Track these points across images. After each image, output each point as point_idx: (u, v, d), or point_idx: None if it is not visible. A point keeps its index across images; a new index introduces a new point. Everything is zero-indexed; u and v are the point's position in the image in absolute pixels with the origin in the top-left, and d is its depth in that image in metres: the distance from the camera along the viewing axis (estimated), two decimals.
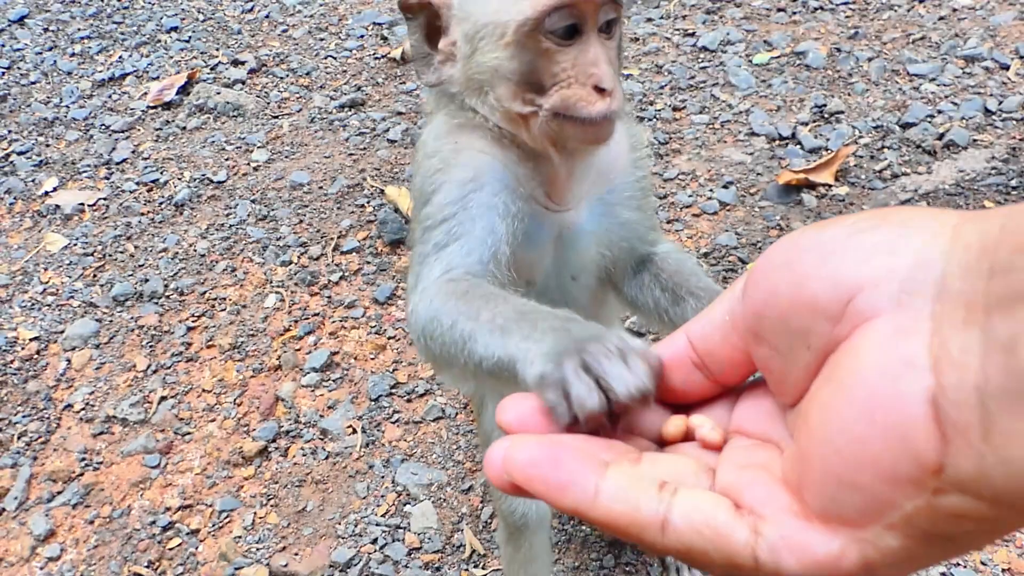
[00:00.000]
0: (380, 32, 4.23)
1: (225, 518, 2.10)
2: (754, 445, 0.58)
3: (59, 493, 2.23)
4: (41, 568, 2.06)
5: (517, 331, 0.87)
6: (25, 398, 2.52)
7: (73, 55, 4.38)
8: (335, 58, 4.07)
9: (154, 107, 3.91)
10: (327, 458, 2.19)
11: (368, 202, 3.07)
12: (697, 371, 0.62)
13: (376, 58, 4.02)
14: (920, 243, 0.47)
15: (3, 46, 4.49)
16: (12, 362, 2.62)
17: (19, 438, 2.39)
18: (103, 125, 3.83)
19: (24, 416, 2.45)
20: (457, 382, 1.14)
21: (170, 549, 2.05)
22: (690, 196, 2.90)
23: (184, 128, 3.75)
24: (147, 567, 2.02)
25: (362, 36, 4.23)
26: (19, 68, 4.31)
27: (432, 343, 1.03)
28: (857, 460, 0.46)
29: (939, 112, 3.08)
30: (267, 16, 4.52)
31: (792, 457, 0.53)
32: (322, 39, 4.26)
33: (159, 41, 4.42)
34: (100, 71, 4.23)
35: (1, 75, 4.27)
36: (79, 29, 4.60)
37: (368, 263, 2.81)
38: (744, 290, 0.57)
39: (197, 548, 2.04)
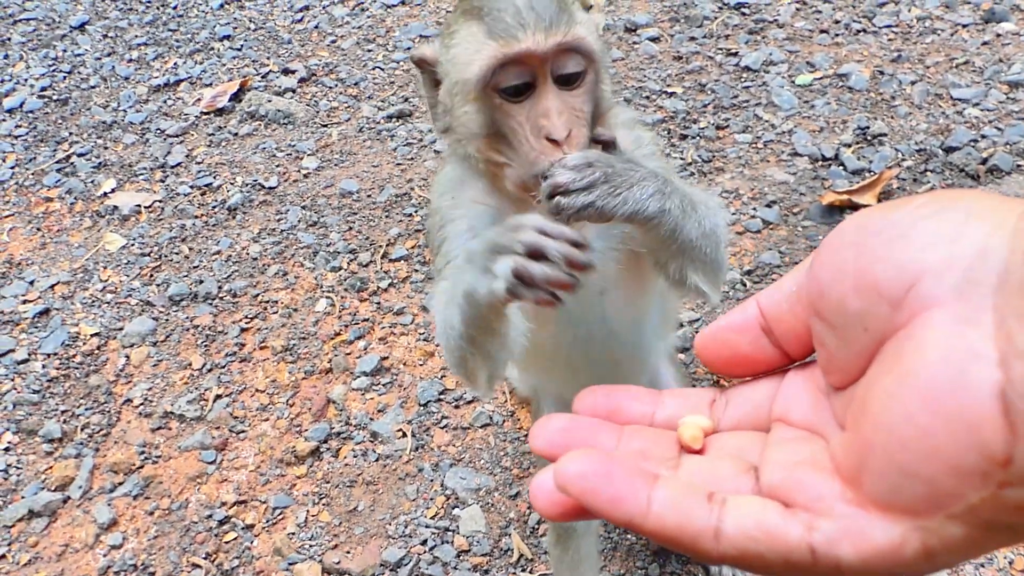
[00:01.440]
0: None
1: (279, 515, 2.18)
2: (798, 438, 0.58)
3: (120, 484, 2.32)
4: (104, 555, 2.15)
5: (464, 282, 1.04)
6: (87, 392, 2.62)
7: (130, 61, 4.52)
8: (383, 69, 4.17)
9: (207, 113, 4.03)
10: (377, 460, 2.27)
11: (416, 212, 3.15)
12: (764, 337, 0.63)
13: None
14: (984, 232, 0.47)
15: (65, 51, 4.64)
16: (75, 356, 2.72)
17: (82, 430, 2.49)
18: (158, 129, 3.95)
19: (87, 409, 2.55)
20: (473, 370, 1.21)
21: (226, 543, 2.14)
22: (733, 214, 2.94)
23: (236, 134, 3.85)
24: (205, 559, 2.10)
25: (408, 48, 4.32)
26: (79, 73, 4.45)
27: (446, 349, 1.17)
28: (922, 450, 0.46)
29: (983, 137, 3.11)
30: (316, 27, 4.63)
31: (848, 444, 0.52)
32: (370, 50, 4.36)
33: (212, 49, 4.54)
34: (156, 77, 4.35)
35: (63, 79, 4.41)
36: (136, 36, 4.74)
37: (416, 271, 2.89)
38: (811, 264, 0.58)
39: (252, 543, 2.12)
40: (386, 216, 3.17)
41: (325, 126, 3.81)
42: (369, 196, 3.29)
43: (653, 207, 1.02)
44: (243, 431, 2.41)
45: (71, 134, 3.93)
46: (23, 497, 2.31)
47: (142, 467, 2.35)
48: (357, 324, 2.71)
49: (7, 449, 2.46)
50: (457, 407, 2.39)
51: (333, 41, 4.47)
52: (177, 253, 3.15)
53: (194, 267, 3.07)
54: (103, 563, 2.13)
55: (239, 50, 4.48)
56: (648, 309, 1.39)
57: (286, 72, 4.21)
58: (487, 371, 1.19)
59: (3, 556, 2.18)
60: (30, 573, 2.13)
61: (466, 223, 1.20)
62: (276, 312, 2.82)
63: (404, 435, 2.32)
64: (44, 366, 2.70)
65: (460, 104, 1.16)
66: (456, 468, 2.21)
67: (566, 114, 1.09)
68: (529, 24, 1.08)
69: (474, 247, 1.00)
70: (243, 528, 2.16)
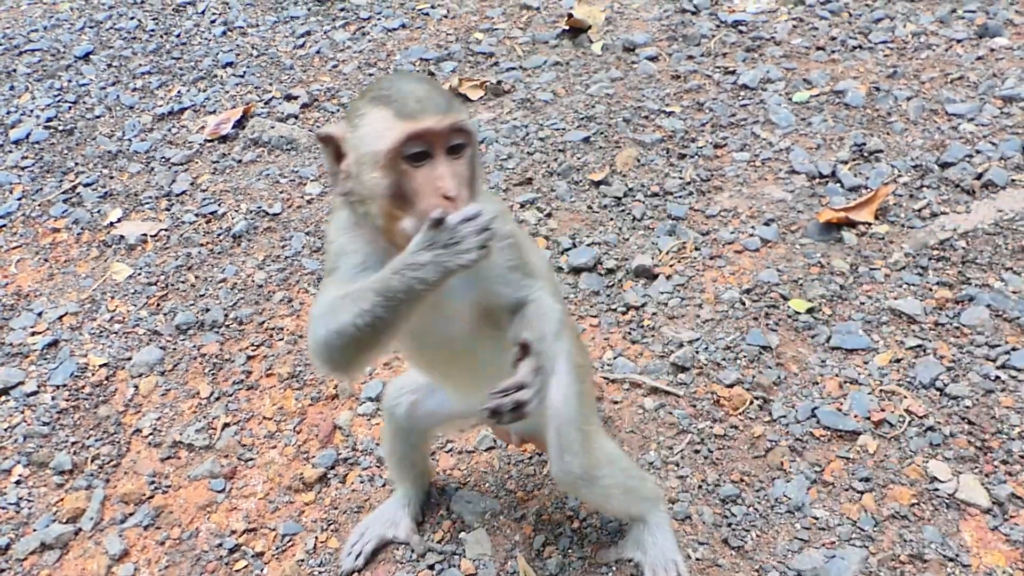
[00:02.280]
0: (428, 68, 4.37)
1: (288, 542, 2.21)
2: None
3: (131, 515, 2.35)
4: None
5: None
6: (97, 422, 2.65)
7: (135, 90, 4.58)
8: None
9: (211, 140, 4.08)
10: (384, 485, 2.29)
11: None
12: None
13: None
14: None
15: (70, 81, 4.71)
16: (84, 387, 2.76)
17: (92, 461, 2.52)
18: (163, 158, 4.01)
19: (96, 440, 2.59)
20: (354, 358, 1.50)
21: (236, 571, 2.16)
22: (732, 233, 2.98)
23: (240, 161, 3.90)
24: None
25: (410, 71, 4.38)
26: (84, 102, 4.52)
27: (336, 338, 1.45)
28: None
29: (977, 152, 3.14)
30: (318, 52, 4.69)
31: None
32: (371, 74, 4.42)
33: (215, 76, 4.60)
34: (160, 105, 4.41)
35: (68, 109, 4.48)
36: (140, 65, 4.81)
37: None
38: None
39: (263, 570, 2.15)
40: None
41: None
42: None
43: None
44: (251, 459, 2.44)
45: (77, 164, 3.98)
46: (35, 530, 2.34)
47: (152, 497, 2.38)
48: None
49: (18, 482, 2.49)
50: (461, 431, 2.41)
51: (335, 66, 4.53)
52: (183, 281, 3.19)
53: (200, 295, 3.11)
54: None
55: (242, 76, 4.54)
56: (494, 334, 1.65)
57: (288, 98, 4.27)
58: (364, 360, 1.52)
59: None
60: None
61: (360, 257, 1.51)
62: (282, 339, 2.85)
63: None
64: (54, 398, 2.73)
65: (368, 171, 1.42)
66: (461, 492, 2.23)
67: (455, 178, 1.41)
68: (429, 109, 1.40)
69: (421, 259, 1.34)
70: (253, 556, 2.19)
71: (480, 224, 1.35)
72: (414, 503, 2.17)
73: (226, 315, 2.98)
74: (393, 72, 4.16)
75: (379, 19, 4.94)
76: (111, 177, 3.90)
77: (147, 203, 3.71)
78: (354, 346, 1.44)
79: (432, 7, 4.99)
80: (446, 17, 4.87)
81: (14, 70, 4.89)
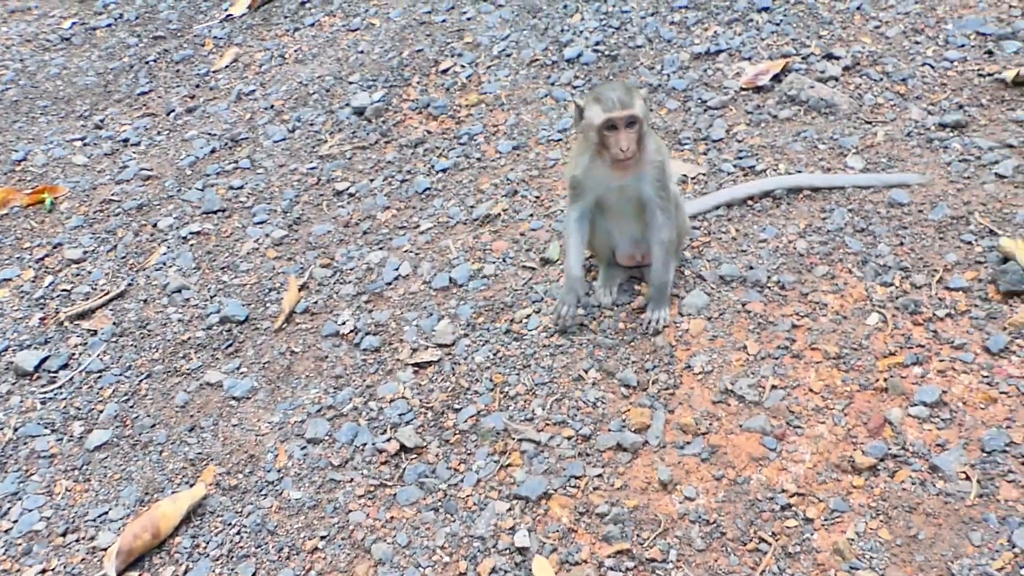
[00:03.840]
0: (985, 44, 4.10)
1: (837, 517, 2.42)
2: None
3: (688, 443, 2.71)
4: (680, 502, 2.56)
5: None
6: (653, 349, 3.05)
7: (673, 23, 4.87)
8: (933, 67, 4.05)
9: (746, 89, 4.25)
10: (938, 495, 2.40)
11: (976, 240, 3.11)
12: None
13: (980, 75, 3.93)
14: None
15: (614, 6, 5.12)
16: (639, 311, 3.17)
17: (652, 384, 2.93)
18: (700, 99, 4.27)
19: (653, 366, 2.99)
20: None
21: (788, 527, 2.43)
22: None
23: (775, 117, 4.04)
24: (771, 536, 2.41)
25: (963, 46, 4.14)
26: (627, 30, 4.91)
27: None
28: None
29: None
30: (859, 8, 4.59)
31: None
32: (918, 43, 4.25)
33: (751, 20, 4.72)
34: (697, 44, 4.66)
35: (612, 35, 4.90)
36: None
37: (976, 306, 2.89)
38: None
39: (812, 535, 2.39)
40: (940, 238, 3.17)
41: (869, 123, 3.84)
42: (920, 211, 3.30)
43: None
44: (800, 427, 2.67)
45: None
46: (610, 430, 2.80)
47: (707, 434, 2.72)
48: (912, 349, 2.80)
49: (594, 383, 2.98)
50: (1023, 463, 2.42)
51: (877, 27, 4.41)
52: (725, 232, 3.46)
53: (742, 250, 3.35)
54: (679, 509, 2.55)
55: (778, 25, 4.61)
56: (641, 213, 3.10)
57: (829, 57, 4.26)
58: (601, 224, 3.19)
59: (600, 475, 2.69)
60: (622, 497, 2.62)
61: (584, 173, 3.01)
62: (826, 315, 3.01)
63: (967, 478, 2.41)
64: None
65: (590, 131, 2.87)
66: None
67: (627, 140, 2.79)
68: (617, 106, 2.78)
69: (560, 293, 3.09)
70: (803, 520, 2.44)
71: (565, 315, 3.10)
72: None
73: (768, 277, 3.20)
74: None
75: None
76: (650, 110, 4.24)
77: (686, 144, 4.01)
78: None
79: None
80: None
81: None
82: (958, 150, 3.53)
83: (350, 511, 2.81)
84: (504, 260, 3.63)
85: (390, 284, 3.70)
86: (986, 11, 4.31)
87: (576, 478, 2.71)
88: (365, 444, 3.02)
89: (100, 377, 3.60)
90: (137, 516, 2.94)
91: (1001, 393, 2.61)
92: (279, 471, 3.02)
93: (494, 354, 3.21)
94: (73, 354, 3.74)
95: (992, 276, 2.95)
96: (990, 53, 4.03)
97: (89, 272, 4.24)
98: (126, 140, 5.32)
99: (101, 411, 3.43)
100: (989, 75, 3.89)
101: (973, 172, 3.42)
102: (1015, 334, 2.76)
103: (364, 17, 5.87)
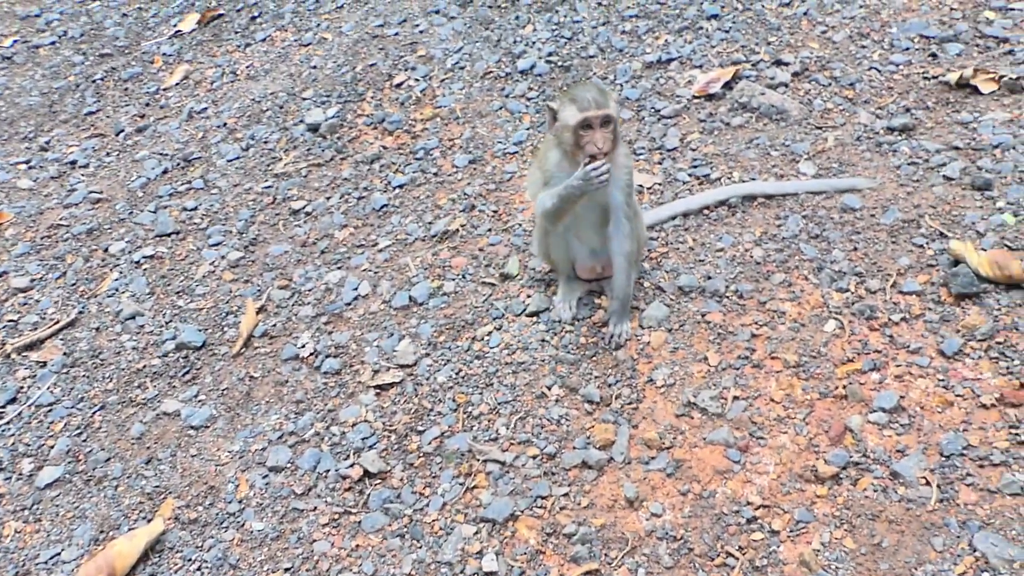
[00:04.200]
0: (929, 47, 4.17)
1: (802, 528, 2.43)
2: None
3: (653, 459, 2.71)
4: (647, 519, 2.56)
5: None
6: (615, 363, 3.05)
7: (624, 32, 4.89)
8: (879, 71, 4.12)
9: (699, 97, 4.28)
10: (900, 501, 2.42)
11: (927, 243, 3.16)
12: None
13: (925, 78, 4.00)
14: None
15: (565, 17, 5.13)
16: (601, 326, 3.17)
17: (616, 399, 2.92)
18: (653, 108, 4.28)
19: (616, 380, 2.98)
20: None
21: (754, 540, 2.44)
22: None
23: (728, 124, 4.06)
24: (738, 550, 2.42)
25: (908, 49, 4.21)
26: (578, 40, 4.92)
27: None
28: None
29: None
30: (806, 13, 4.65)
31: None
32: (864, 47, 4.31)
33: (701, 28, 4.76)
34: (648, 52, 4.68)
35: (564, 45, 4.90)
36: (628, 7, 5.09)
37: (930, 309, 2.93)
38: None
39: (778, 547, 2.40)
40: (892, 242, 3.21)
41: (820, 128, 3.88)
42: (872, 216, 3.34)
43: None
44: (763, 438, 2.69)
45: None
46: (575, 447, 2.79)
47: (671, 448, 2.72)
48: (869, 355, 2.84)
49: (557, 400, 2.97)
50: (982, 467, 2.45)
51: (824, 32, 4.47)
52: (682, 242, 3.47)
53: (699, 260, 3.36)
54: (646, 526, 2.54)
55: (727, 32, 4.65)
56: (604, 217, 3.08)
57: (778, 63, 4.31)
58: (561, 220, 3.03)
59: (566, 494, 2.68)
60: (589, 516, 2.61)
61: (560, 172, 2.97)
62: (784, 323, 3.03)
63: (928, 483, 2.44)
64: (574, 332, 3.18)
65: (564, 132, 2.86)
66: (985, 532, 2.30)
67: (603, 140, 2.80)
68: (592, 106, 2.78)
69: (575, 183, 2.85)
70: (769, 532, 2.45)
71: (600, 173, 2.79)
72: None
73: (727, 286, 3.21)
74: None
75: None
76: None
77: (641, 153, 4.02)
78: (553, 216, 3.00)
79: None
80: None
81: (517, 0, 5.41)
82: (907, 153, 3.59)
83: (314, 540, 2.77)
84: (464, 277, 3.61)
85: (349, 304, 3.66)
86: (928, 14, 4.39)
87: (542, 498, 2.70)
88: (328, 470, 2.97)
89: (51, 411, 3.51)
90: (91, 556, 2.86)
91: (957, 396, 2.65)
92: (240, 502, 2.96)
93: (456, 373, 3.18)
94: (21, 387, 3.64)
95: (944, 279, 2.99)
96: (934, 56, 4.10)
97: (37, 301, 4.13)
98: (73, 162, 5.20)
99: (52, 446, 3.34)
100: (934, 78, 3.96)
101: (922, 175, 3.47)
102: (968, 336, 2.80)
103: (316, 32, 5.81)
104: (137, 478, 3.14)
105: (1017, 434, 2.51)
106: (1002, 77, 3.80)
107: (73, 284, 4.19)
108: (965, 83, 3.84)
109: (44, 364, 3.74)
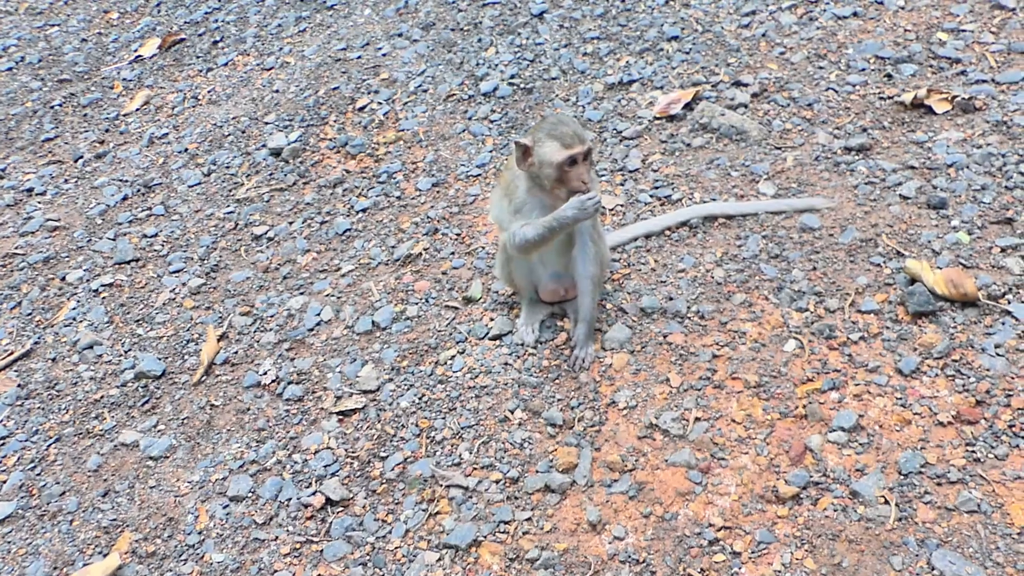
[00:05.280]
0: (884, 68, 4.24)
1: (763, 549, 2.43)
2: None
3: (616, 481, 2.70)
4: (610, 543, 2.55)
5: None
6: (578, 387, 3.04)
7: (585, 55, 4.92)
8: (837, 91, 4.18)
9: (660, 119, 4.31)
10: (859, 520, 2.43)
11: (885, 262, 3.20)
12: None
13: (881, 98, 4.06)
14: None
15: (528, 39, 5.16)
16: (565, 350, 3.16)
17: (578, 421, 2.91)
18: (615, 129, 4.31)
19: (578, 403, 2.98)
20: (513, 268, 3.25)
21: (716, 563, 2.43)
22: None
23: (689, 145, 4.10)
24: (700, 572, 2.41)
25: (864, 70, 4.28)
26: (541, 62, 4.94)
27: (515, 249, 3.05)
28: None
29: None
30: (764, 35, 4.71)
31: None
32: (822, 67, 4.37)
33: (661, 50, 4.80)
34: (610, 74, 4.71)
35: (527, 67, 4.93)
36: (589, 29, 5.14)
37: (888, 328, 2.96)
38: None
39: (740, 569, 2.40)
40: (851, 261, 3.25)
41: (779, 148, 3.93)
42: (831, 235, 3.38)
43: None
44: (724, 459, 2.69)
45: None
46: (538, 471, 2.77)
47: (633, 470, 2.72)
48: (828, 374, 2.85)
49: (520, 424, 2.95)
50: (940, 484, 2.47)
51: (782, 53, 4.53)
52: (644, 263, 3.48)
53: (661, 281, 3.38)
54: (609, 549, 2.53)
55: (687, 53, 4.70)
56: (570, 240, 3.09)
57: (737, 84, 4.36)
58: (537, 252, 3.04)
59: (529, 519, 2.66)
60: (552, 541, 2.59)
61: (535, 204, 2.97)
62: (744, 344, 3.04)
63: (886, 502, 2.46)
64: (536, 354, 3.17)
65: (546, 168, 2.85)
66: (943, 550, 2.31)
67: (588, 173, 2.84)
68: (577, 142, 2.80)
69: (567, 213, 2.83)
70: (731, 553, 2.44)
71: (595, 202, 2.80)
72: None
73: (688, 307, 3.23)
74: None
75: (828, 3, 4.83)
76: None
77: (603, 175, 4.04)
78: (533, 246, 2.94)
79: None
80: (903, 9, 4.64)
81: (480, 22, 5.44)
82: (864, 173, 3.64)
83: (275, 571, 2.72)
84: (427, 301, 3.59)
85: (312, 330, 3.62)
86: (883, 35, 4.46)
87: (505, 523, 2.67)
88: (290, 499, 2.93)
89: (3, 444, 3.43)
90: None
91: (914, 414, 2.67)
92: (200, 533, 2.90)
93: (419, 398, 3.16)
94: None
95: (901, 297, 3.03)
96: (889, 76, 4.17)
97: None
98: (30, 189, 5.13)
99: (4, 481, 3.26)
100: (889, 98, 4.03)
101: (879, 194, 3.52)
102: (925, 354, 2.83)
103: (279, 56, 5.80)
104: (93, 512, 3.08)
105: (973, 451, 2.53)
106: (955, 97, 3.87)
107: (29, 314, 4.12)
108: (920, 103, 3.90)
109: None
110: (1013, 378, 2.70)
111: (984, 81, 3.98)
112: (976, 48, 4.22)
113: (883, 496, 2.48)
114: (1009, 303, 2.92)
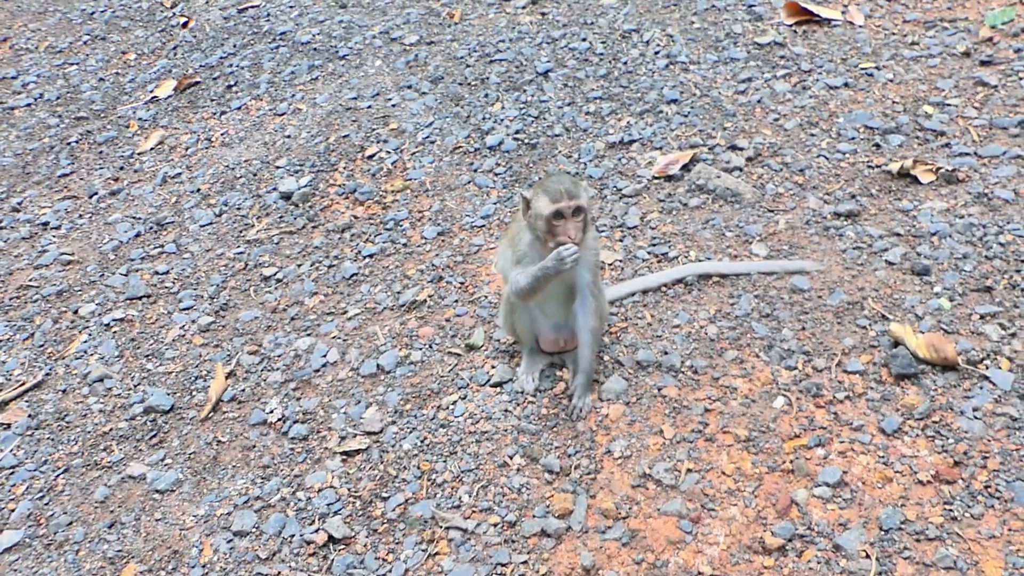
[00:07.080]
0: (873, 137, 4.45)
1: None
2: None
3: (609, 528, 2.82)
4: None
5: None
6: (575, 435, 3.17)
7: (588, 113, 5.12)
8: (827, 158, 4.37)
9: (658, 178, 4.50)
10: (841, 573, 2.55)
11: (870, 325, 3.35)
12: None
13: (870, 166, 4.26)
14: None
15: (532, 96, 5.37)
16: (564, 400, 3.29)
17: (575, 468, 3.03)
18: (615, 187, 4.49)
19: (575, 451, 3.10)
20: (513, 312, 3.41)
21: None
22: None
23: (686, 205, 4.28)
24: None
25: (853, 138, 4.48)
26: (545, 119, 5.14)
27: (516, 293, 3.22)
28: None
29: None
30: (759, 101, 4.93)
31: None
32: (813, 135, 4.58)
33: (661, 112, 5.01)
34: (611, 133, 4.91)
35: (532, 123, 5.12)
36: (592, 89, 5.35)
37: (872, 388, 3.11)
38: None
39: None
40: (838, 323, 3.40)
41: (772, 211, 4.10)
42: (820, 297, 3.54)
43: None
44: (714, 510, 2.81)
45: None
46: (535, 516, 2.89)
47: (627, 518, 2.83)
48: (815, 431, 2.99)
49: (518, 470, 3.07)
50: (919, 541, 2.60)
51: (776, 119, 4.74)
52: (641, 318, 3.63)
53: (657, 336, 3.52)
54: None
55: (686, 116, 4.90)
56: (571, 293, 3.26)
57: (733, 148, 4.55)
58: (533, 297, 3.17)
59: (525, 562, 2.77)
60: None
61: (532, 255, 3.13)
62: (736, 399, 3.18)
63: (868, 556, 2.57)
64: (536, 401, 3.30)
65: (538, 220, 3.02)
66: None
67: (574, 228, 2.97)
68: (564, 198, 2.95)
69: (549, 264, 2.98)
70: None
71: (572, 254, 2.91)
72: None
73: (682, 362, 3.37)
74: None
75: (820, 73, 5.05)
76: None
77: (603, 231, 4.21)
78: (526, 293, 3.11)
79: (877, 68, 5.02)
80: (891, 82, 4.87)
81: (487, 78, 5.66)
82: (852, 238, 3.81)
83: None
84: (430, 346, 3.72)
85: (318, 371, 3.74)
86: (873, 106, 4.68)
87: (502, 565, 2.78)
88: (293, 535, 3.03)
89: (13, 473, 3.52)
90: None
91: (896, 472, 2.80)
92: (204, 566, 2.99)
93: (421, 441, 3.27)
94: None
95: (885, 359, 3.18)
96: (877, 146, 4.38)
97: (3, 362, 4.15)
98: (45, 223, 5.27)
99: (13, 510, 3.35)
100: (877, 166, 4.22)
101: (866, 259, 3.69)
102: (906, 415, 2.97)
103: (291, 102, 5.99)
104: (99, 542, 3.16)
105: (951, 510, 2.66)
106: (939, 168, 4.07)
107: (41, 345, 4.23)
108: (906, 173, 4.10)
109: (8, 426, 3.76)
110: (989, 440, 2.84)
111: (967, 154, 4.18)
112: (960, 122, 4.43)
113: (864, 550, 2.60)
114: (987, 368, 3.07)
